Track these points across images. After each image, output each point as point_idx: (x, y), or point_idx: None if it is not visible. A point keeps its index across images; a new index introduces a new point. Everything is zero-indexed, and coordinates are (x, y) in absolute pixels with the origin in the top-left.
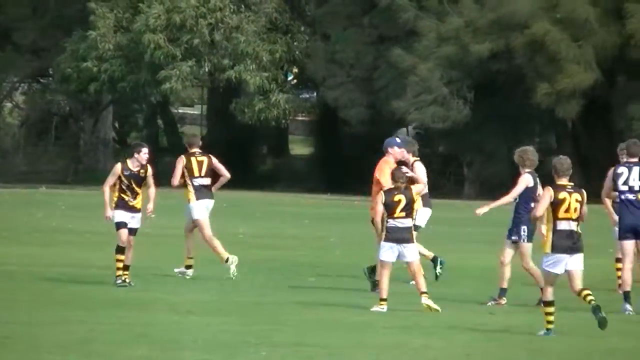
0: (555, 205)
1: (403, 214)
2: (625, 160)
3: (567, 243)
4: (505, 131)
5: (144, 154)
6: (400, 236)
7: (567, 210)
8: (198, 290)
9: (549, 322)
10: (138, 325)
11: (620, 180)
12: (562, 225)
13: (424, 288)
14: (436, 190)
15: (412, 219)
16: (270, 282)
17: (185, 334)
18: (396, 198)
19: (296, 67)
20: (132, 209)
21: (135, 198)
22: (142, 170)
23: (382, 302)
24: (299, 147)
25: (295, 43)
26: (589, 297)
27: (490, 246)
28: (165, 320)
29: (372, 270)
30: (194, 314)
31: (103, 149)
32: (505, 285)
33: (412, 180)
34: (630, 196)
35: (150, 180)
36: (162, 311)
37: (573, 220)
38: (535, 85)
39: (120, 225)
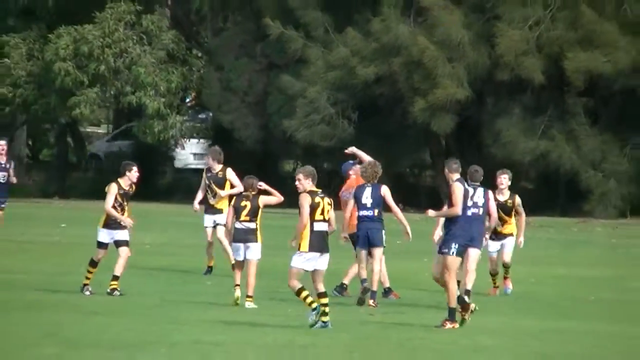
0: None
1: (248, 217)
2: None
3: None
4: (384, 148)
5: (134, 172)
6: (244, 237)
7: (321, 213)
8: (103, 294)
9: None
10: (47, 325)
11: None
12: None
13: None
14: None
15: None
16: (171, 285)
17: (90, 334)
18: (243, 203)
19: (193, 91)
20: (120, 225)
21: (123, 214)
22: (131, 189)
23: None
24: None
25: (192, 69)
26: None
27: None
28: (71, 320)
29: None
30: (98, 314)
31: (18, 164)
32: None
33: None
34: None
35: None
36: (68, 312)
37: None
38: (412, 101)
39: (101, 245)
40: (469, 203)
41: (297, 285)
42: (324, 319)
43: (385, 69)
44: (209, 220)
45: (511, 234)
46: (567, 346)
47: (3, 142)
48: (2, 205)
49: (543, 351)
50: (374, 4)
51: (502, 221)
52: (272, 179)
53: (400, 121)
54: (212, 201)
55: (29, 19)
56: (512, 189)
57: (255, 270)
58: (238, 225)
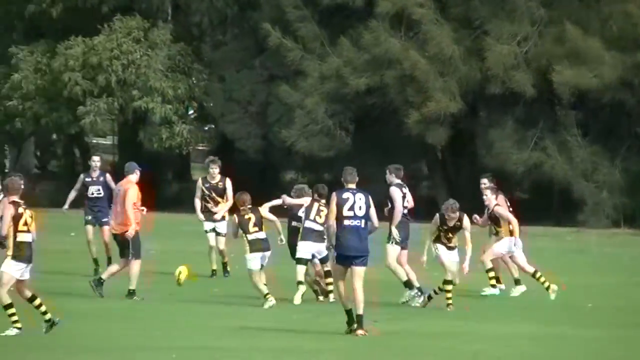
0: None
1: (257, 228)
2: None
3: None
4: (381, 159)
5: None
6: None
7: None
8: (111, 300)
9: None
10: (39, 332)
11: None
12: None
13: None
14: None
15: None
16: (178, 293)
17: (86, 340)
18: (246, 217)
19: (196, 103)
20: None
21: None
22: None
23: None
24: (199, 173)
25: (194, 81)
26: None
27: (371, 261)
28: (67, 327)
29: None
30: (95, 319)
31: (26, 175)
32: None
33: None
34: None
35: None
36: (66, 318)
37: None
38: (407, 114)
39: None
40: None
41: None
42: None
43: (376, 80)
44: (208, 225)
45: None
46: (565, 351)
47: (97, 158)
48: (104, 220)
49: (539, 356)
50: (366, 18)
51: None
52: (273, 189)
53: (396, 132)
54: (214, 209)
55: (34, 34)
56: (506, 198)
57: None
58: (251, 237)
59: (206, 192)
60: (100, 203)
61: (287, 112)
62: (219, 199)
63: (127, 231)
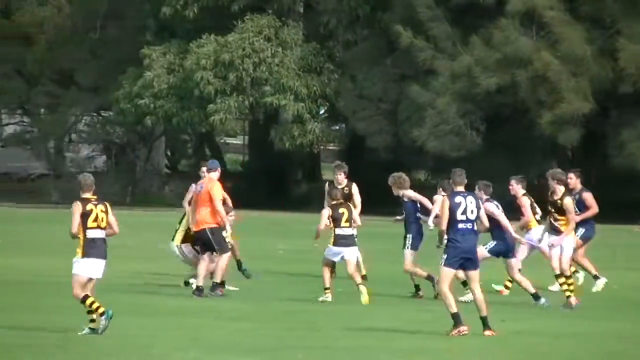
0: None
1: (348, 224)
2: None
3: None
4: (511, 159)
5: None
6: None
7: None
8: (242, 300)
9: None
10: (191, 330)
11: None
12: None
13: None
14: None
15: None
16: (306, 292)
17: (229, 338)
18: (340, 211)
19: (327, 102)
20: None
21: None
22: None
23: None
24: (330, 174)
25: (326, 80)
26: None
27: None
28: (214, 325)
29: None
30: (238, 320)
31: (156, 175)
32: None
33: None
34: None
35: None
36: (211, 318)
37: None
38: (539, 114)
39: None
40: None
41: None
42: None
43: (507, 80)
44: None
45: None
46: None
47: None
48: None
49: None
50: (497, 16)
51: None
52: None
53: (527, 132)
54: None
55: (166, 34)
56: None
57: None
58: (339, 231)
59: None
60: None
61: (417, 111)
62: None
63: (215, 225)
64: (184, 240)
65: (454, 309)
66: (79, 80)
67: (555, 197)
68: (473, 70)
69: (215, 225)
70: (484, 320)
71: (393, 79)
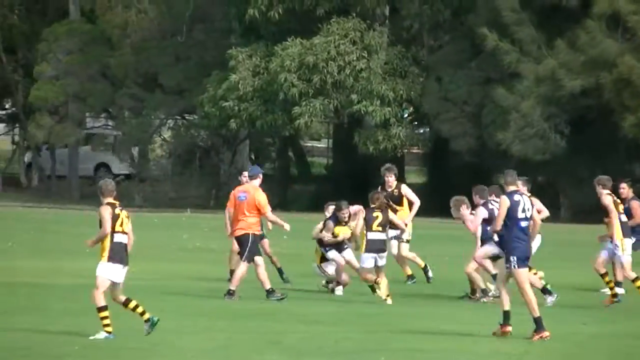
0: None
1: (380, 228)
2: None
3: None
4: (596, 161)
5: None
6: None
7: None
8: (323, 303)
9: None
10: (271, 333)
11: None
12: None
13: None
14: None
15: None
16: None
17: (311, 342)
18: (374, 214)
19: (412, 106)
20: None
21: None
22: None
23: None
24: (414, 177)
25: (411, 84)
26: None
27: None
28: (294, 329)
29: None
30: (319, 323)
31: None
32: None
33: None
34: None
35: None
36: (291, 321)
37: None
38: (623, 117)
39: None
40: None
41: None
42: None
43: (591, 82)
44: (390, 233)
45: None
46: None
47: (247, 173)
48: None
49: None
50: (582, 18)
51: None
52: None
53: (611, 135)
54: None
55: (252, 37)
56: None
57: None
58: (371, 236)
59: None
60: None
61: (502, 114)
62: (397, 207)
63: (258, 234)
64: (321, 260)
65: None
66: (164, 84)
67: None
68: (557, 73)
69: (258, 234)
70: (538, 320)
71: (478, 81)
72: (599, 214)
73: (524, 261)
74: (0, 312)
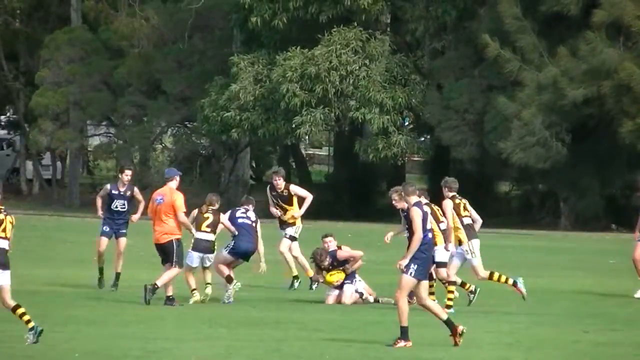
0: None
1: (208, 229)
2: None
3: None
4: (597, 170)
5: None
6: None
7: None
8: (324, 311)
9: None
10: (271, 341)
11: None
12: None
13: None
14: (535, 223)
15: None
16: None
17: (313, 349)
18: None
19: (412, 114)
20: None
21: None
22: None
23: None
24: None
25: (412, 92)
26: None
27: (582, 272)
28: (295, 336)
29: None
30: (320, 331)
31: (241, 185)
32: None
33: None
34: None
35: None
36: (292, 329)
37: None
38: (621, 124)
39: None
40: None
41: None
42: None
43: (593, 91)
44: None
45: None
46: None
47: (129, 172)
48: (122, 231)
49: None
50: (583, 27)
51: None
52: (487, 200)
53: (612, 143)
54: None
55: (254, 45)
56: None
57: None
58: (198, 235)
59: (274, 200)
60: (123, 217)
61: (503, 122)
62: (287, 207)
63: (176, 237)
64: None
65: (406, 323)
66: (167, 91)
67: None
68: (559, 82)
69: (179, 237)
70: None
71: (480, 89)
72: (600, 222)
73: (422, 274)
74: (5, 320)
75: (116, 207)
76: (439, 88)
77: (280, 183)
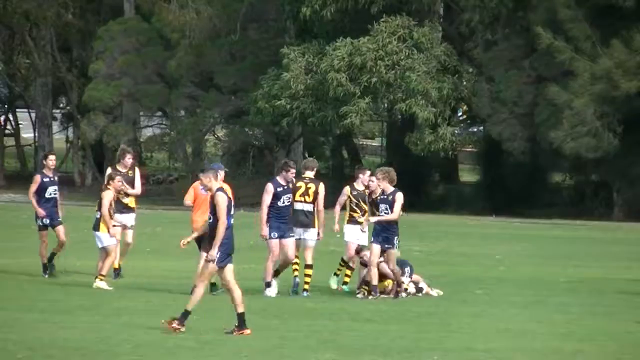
0: None
1: None
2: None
3: None
4: None
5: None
6: None
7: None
8: (375, 302)
9: None
10: (324, 332)
11: None
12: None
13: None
14: (588, 213)
15: None
16: (443, 293)
17: (365, 340)
18: None
19: (464, 104)
20: None
21: None
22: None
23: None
24: (467, 175)
25: (464, 82)
26: None
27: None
28: (348, 327)
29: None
30: (373, 322)
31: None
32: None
33: None
34: None
35: None
36: (345, 320)
37: None
38: None
39: None
40: None
41: None
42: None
43: None
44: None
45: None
46: None
47: (53, 157)
48: (59, 220)
49: None
50: (637, 20)
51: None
52: (540, 191)
53: None
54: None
55: (306, 36)
56: None
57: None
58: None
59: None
60: (56, 204)
61: (554, 113)
62: (129, 189)
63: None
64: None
65: (242, 309)
66: (220, 83)
67: None
68: (613, 73)
69: None
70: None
71: (530, 80)
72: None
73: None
74: (61, 311)
75: (50, 194)
76: (489, 80)
77: (128, 163)
